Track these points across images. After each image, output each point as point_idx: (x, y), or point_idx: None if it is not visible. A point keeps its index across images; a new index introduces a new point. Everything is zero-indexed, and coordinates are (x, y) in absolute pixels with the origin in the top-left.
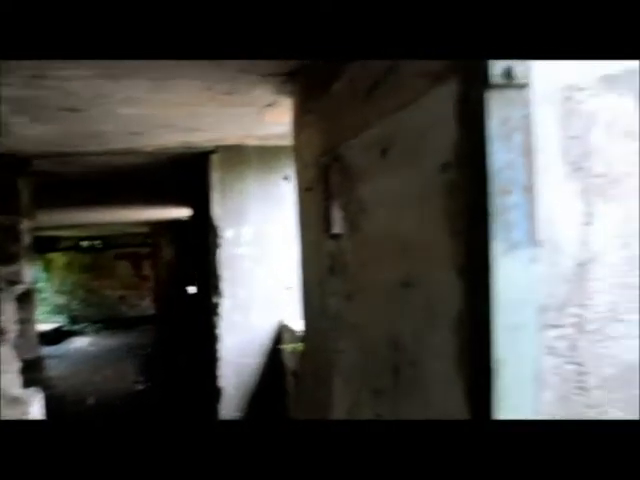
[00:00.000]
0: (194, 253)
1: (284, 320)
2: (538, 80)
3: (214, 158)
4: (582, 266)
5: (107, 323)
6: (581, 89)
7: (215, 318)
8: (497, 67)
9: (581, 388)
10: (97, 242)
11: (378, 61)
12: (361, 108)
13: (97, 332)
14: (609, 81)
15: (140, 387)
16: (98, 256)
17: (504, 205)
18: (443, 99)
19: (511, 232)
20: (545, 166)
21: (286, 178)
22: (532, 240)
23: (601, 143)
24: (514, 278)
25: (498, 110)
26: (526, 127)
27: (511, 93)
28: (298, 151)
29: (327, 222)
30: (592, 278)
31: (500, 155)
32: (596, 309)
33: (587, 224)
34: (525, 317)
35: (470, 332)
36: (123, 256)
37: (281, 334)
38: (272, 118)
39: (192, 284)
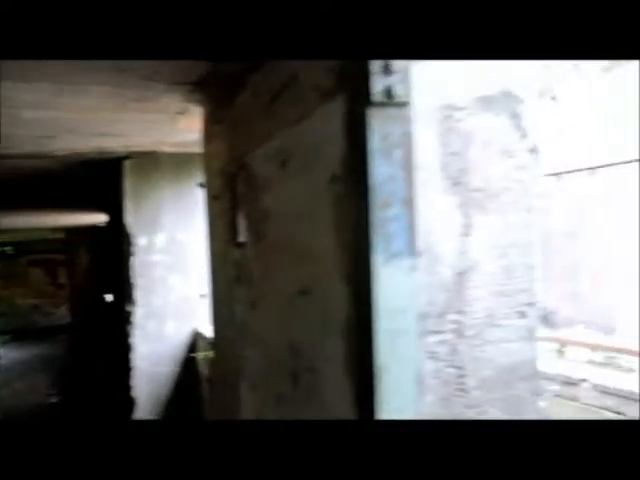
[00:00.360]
0: (111, 260)
1: (199, 328)
2: (419, 99)
3: (127, 164)
4: (461, 275)
5: (18, 333)
6: (459, 108)
7: (129, 327)
8: (378, 85)
9: (461, 390)
10: (8, 248)
11: (278, 73)
12: (264, 119)
13: (6, 343)
14: (486, 101)
15: (53, 400)
16: (9, 263)
17: (385, 217)
18: (332, 114)
19: (392, 243)
20: (425, 180)
21: (201, 185)
22: (412, 250)
23: (479, 159)
24: (395, 287)
25: (379, 127)
26: (406, 143)
27: (392, 111)
28: (207, 160)
29: (233, 230)
30: (471, 286)
31: (381, 169)
32: (474, 315)
33: (465, 235)
34: (406, 324)
35: (356, 338)
36: (37, 263)
37: (196, 342)
38: (185, 125)
39: (109, 292)
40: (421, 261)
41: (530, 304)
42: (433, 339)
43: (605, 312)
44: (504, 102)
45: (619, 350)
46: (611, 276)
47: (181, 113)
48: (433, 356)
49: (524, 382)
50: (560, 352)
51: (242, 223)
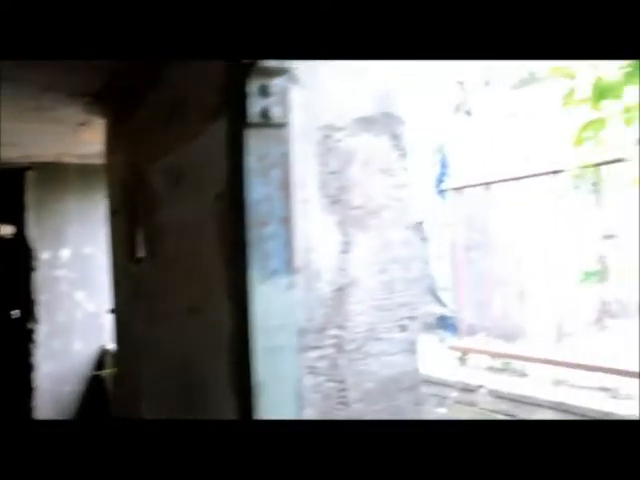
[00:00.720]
0: (17, 274)
1: (107, 344)
2: (298, 120)
3: (29, 175)
4: (340, 291)
5: None
6: (339, 129)
7: (31, 345)
8: (255, 107)
9: (342, 403)
10: None
11: (172, 90)
12: (161, 135)
13: None
14: (366, 122)
15: None
16: None
17: (261, 236)
18: (216, 134)
19: (269, 260)
20: (304, 199)
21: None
22: (290, 268)
23: (358, 178)
24: (272, 304)
25: (256, 147)
26: (284, 163)
27: (269, 131)
28: (109, 173)
29: (132, 246)
30: (351, 302)
31: (258, 189)
32: (355, 330)
33: (345, 252)
34: (284, 340)
35: (237, 355)
36: None
37: (104, 359)
38: (90, 137)
39: (15, 308)
40: (299, 278)
41: (411, 318)
42: (313, 354)
43: (507, 320)
44: (384, 123)
45: (515, 357)
46: (514, 286)
47: (83, 124)
48: (313, 371)
49: (406, 393)
50: (462, 360)
51: (140, 238)
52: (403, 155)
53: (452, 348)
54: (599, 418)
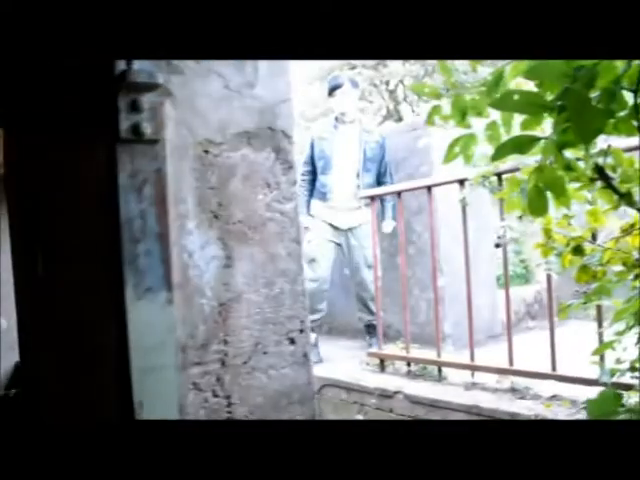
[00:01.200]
0: None
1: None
2: (174, 135)
3: None
4: (224, 306)
5: None
6: (218, 144)
7: None
8: (125, 123)
9: (230, 419)
10: None
11: (49, 102)
12: (45, 147)
13: None
14: (247, 137)
15: None
16: None
17: (135, 252)
18: (92, 150)
19: (143, 278)
20: (183, 215)
21: None
22: (167, 284)
23: (240, 193)
24: (149, 322)
25: (128, 163)
26: (158, 179)
27: (141, 148)
28: (6, 185)
29: (30, 262)
30: (235, 316)
31: (130, 205)
32: (240, 344)
33: (227, 267)
34: (164, 358)
35: (117, 374)
36: None
37: (17, 375)
38: None
39: None
40: (179, 294)
41: (300, 330)
42: (196, 370)
43: (429, 326)
44: (268, 137)
45: (432, 362)
46: (437, 291)
47: None
48: (197, 387)
49: (299, 406)
50: (382, 366)
51: (39, 255)
52: (288, 168)
53: (371, 355)
54: (508, 419)
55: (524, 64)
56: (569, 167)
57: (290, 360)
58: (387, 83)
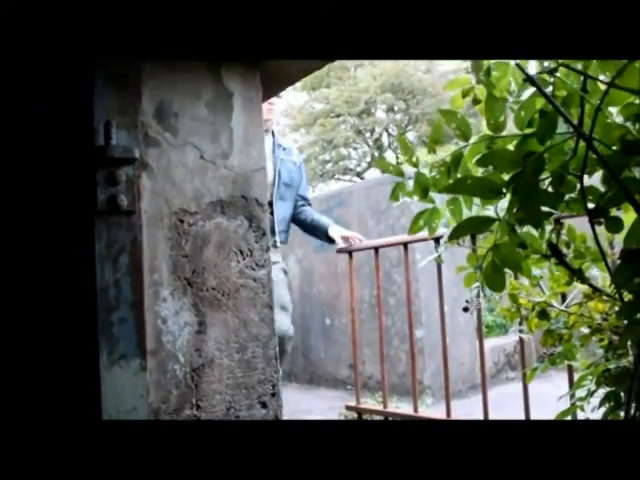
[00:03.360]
0: None
1: None
2: (149, 205)
3: None
4: (197, 371)
5: None
6: (192, 213)
7: None
8: (102, 195)
9: None
10: None
11: None
12: None
13: None
14: (221, 205)
15: None
16: None
17: (110, 321)
18: (66, 219)
19: (117, 345)
20: (157, 283)
21: None
22: (140, 351)
23: (213, 260)
24: (122, 388)
25: (104, 234)
26: (133, 249)
27: (117, 219)
28: None
29: None
30: (207, 381)
31: (106, 275)
32: (212, 409)
33: (200, 333)
34: None
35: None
36: None
37: None
38: None
39: None
40: (152, 360)
41: (272, 394)
42: None
43: (407, 377)
44: (241, 206)
45: (408, 416)
46: (413, 346)
47: None
48: None
49: None
50: (360, 419)
51: None
52: (261, 235)
53: (349, 408)
54: None
55: (481, 146)
56: (523, 245)
57: None
58: (372, 131)
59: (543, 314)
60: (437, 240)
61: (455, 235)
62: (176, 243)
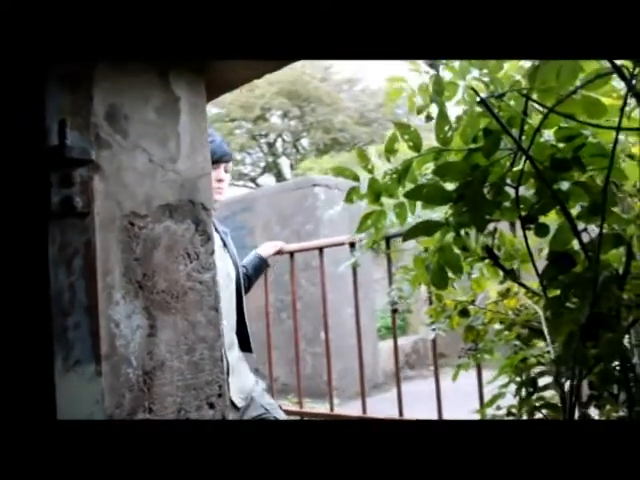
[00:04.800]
0: None
1: None
2: (102, 208)
3: None
4: (148, 374)
5: None
6: (143, 216)
7: None
8: (55, 197)
9: None
10: None
11: None
12: None
13: None
14: (169, 209)
15: None
16: None
17: (64, 326)
18: (20, 222)
19: (72, 351)
20: (110, 286)
21: None
22: (96, 356)
23: (163, 263)
24: (78, 394)
25: (58, 237)
26: (87, 252)
27: (71, 221)
28: None
29: None
30: (158, 384)
31: (60, 278)
32: (164, 411)
33: (151, 335)
34: None
35: None
36: None
37: None
38: None
39: None
40: (106, 364)
41: (219, 395)
42: None
43: (314, 380)
44: (188, 210)
45: (321, 415)
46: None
47: None
48: None
49: None
50: None
51: None
52: (207, 239)
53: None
54: None
55: (430, 157)
56: (464, 247)
57: None
58: (266, 136)
59: (464, 312)
60: (352, 245)
61: (409, 235)
62: (127, 246)
